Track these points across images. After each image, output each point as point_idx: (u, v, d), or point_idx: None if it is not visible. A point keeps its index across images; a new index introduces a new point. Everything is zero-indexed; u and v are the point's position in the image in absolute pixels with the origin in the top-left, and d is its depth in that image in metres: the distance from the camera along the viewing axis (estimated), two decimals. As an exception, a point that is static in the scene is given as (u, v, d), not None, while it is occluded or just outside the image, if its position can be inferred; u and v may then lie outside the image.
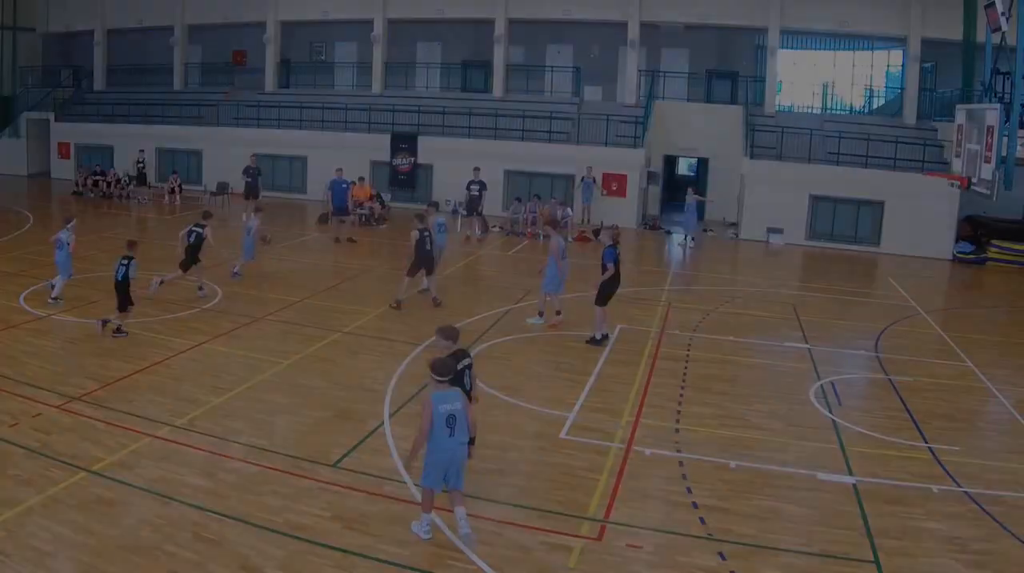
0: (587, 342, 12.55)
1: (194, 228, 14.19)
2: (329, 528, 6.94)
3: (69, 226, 13.91)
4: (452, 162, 26.19)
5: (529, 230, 23.31)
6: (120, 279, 11.76)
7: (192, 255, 14.14)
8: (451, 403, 6.73)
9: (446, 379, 6.86)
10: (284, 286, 15.64)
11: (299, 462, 8.14)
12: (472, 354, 8.13)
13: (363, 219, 23.74)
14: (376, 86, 30.33)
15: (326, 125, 28.60)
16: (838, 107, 29.46)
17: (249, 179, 23.84)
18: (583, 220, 25.07)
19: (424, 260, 14.19)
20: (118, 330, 11.89)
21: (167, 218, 24.55)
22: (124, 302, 11.84)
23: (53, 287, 13.52)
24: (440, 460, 6.69)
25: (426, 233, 14.15)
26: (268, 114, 29.63)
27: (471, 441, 7.11)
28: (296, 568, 6.36)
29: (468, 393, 7.49)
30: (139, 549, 6.45)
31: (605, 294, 12.62)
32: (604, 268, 12.50)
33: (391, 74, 30.70)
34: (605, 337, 12.65)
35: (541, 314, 13.57)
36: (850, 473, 8.50)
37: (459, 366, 7.40)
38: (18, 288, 14.34)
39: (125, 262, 11.81)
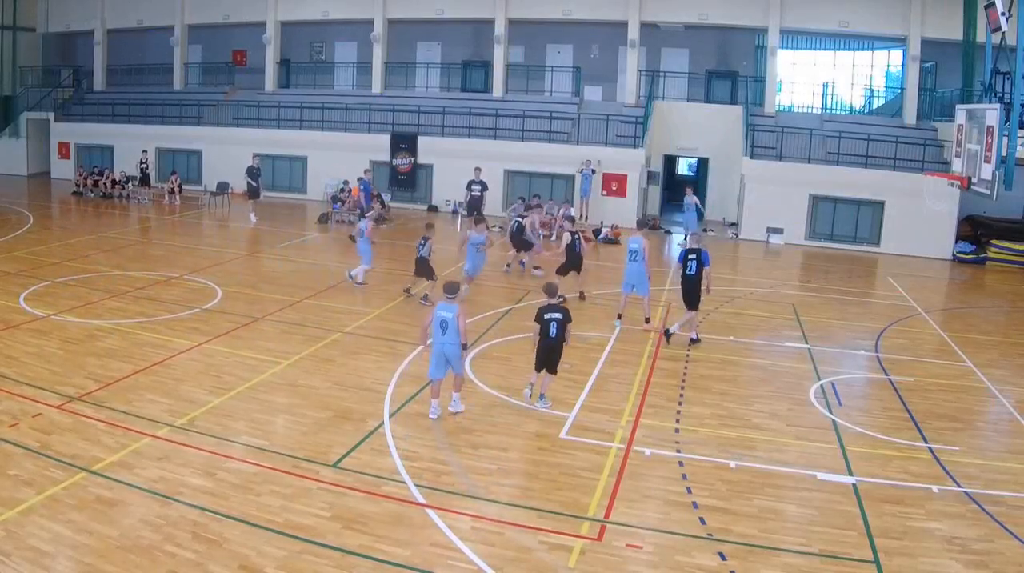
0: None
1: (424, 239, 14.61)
2: (329, 528, 6.94)
3: (368, 216, 15.89)
4: (452, 162, 26.22)
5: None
6: (421, 257, 14.37)
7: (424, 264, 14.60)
8: (447, 312, 9.17)
9: (452, 296, 9.32)
10: (284, 286, 15.65)
11: (299, 462, 8.14)
12: (567, 312, 9.76)
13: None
14: (376, 86, 30.33)
15: (326, 125, 28.60)
16: (838, 107, 29.44)
17: (252, 180, 23.89)
18: (583, 217, 25.05)
19: (575, 261, 15.11)
20: (425, 298, 14.26)
21: (167, 218, 24.56)
22: (427, 272, 14.37)
23: (355, 276, 15.50)
24: (436, 351, 9.23)
25: (576, 236, 15.19)
26: (268, 114, 29.63)
27: (464, 346, 9.27)
28: (296, 568, 6.36)
29: (553, 339, 9.61)
30: (139, 549, 6.45)
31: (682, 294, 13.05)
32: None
33: (391, 74, 30.70)
34: (668, 334, 12.98)
35: (621, 317, 13.82)
36: (850, 473, 8.50)
37: (545, 317, 9.64)
38: (18, 288, 14.34)
39: (423, 242, 14.33)
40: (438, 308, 9.28)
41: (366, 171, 22.16)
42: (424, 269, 14.43)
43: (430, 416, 9.31)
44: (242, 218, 24.24)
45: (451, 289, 9.45)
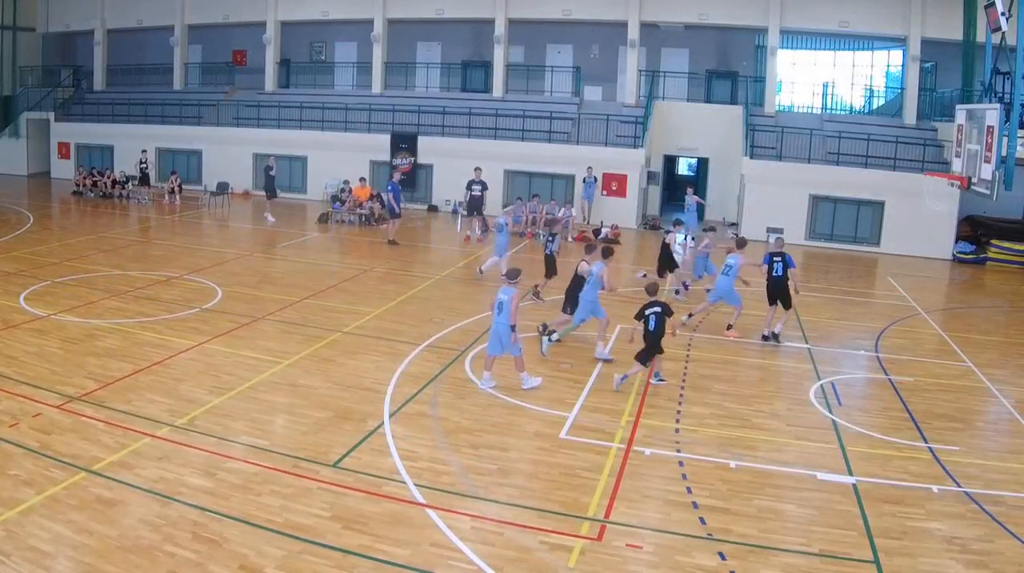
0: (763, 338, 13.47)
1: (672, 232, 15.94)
2: (329, 528, 6.94)
3: (506, 210, 16.93)
4: (452, 162, 26.23)
5: (529, 230, 23.28)
6: (549, 253, 14.99)
7: (666, 263, 15.68)
8: (504, 295, 10.13)
9: (512, 281, 10.37)
10: (284, 286, 15.65)
11: (299, 462, 8.14)
12: (666, 306, 10.64)
13: (363, 219, 23.78)
14: (376, 86, 30.33)
15: (326, 125, 28.61)
16: (838, 107, 29.44)
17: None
18: (584, 219, 25.09)
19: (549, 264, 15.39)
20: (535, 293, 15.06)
21: (167, 218, 24.56)
22: (551, 271, 14.88)
23: (497, 265, 16.13)
24: (492, 330, 10.29)
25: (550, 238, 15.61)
26: (268, 114, 29.63)
27: (512, 327, 10.09)
28: (295, 568, 6.35)
29: (652, 332, 10.49)
30: (139, 549, 6.45)
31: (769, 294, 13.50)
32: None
33: (391, 74, 30.70)
34: (772, 336, 13.43)
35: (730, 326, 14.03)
36: (850, 473, 8.50)
37: (646, 313, 10.55)
38: (18, 288, 14.34)
39: (550, 238, 15.32)
40: (499, 291, 10.26)
41: (393, 176, 22.25)
42: (551, 267, 14.68)
43: (480, 387, 10.37)
44: (243, 218, 24.28)
45: (512, 274, 10.57)
